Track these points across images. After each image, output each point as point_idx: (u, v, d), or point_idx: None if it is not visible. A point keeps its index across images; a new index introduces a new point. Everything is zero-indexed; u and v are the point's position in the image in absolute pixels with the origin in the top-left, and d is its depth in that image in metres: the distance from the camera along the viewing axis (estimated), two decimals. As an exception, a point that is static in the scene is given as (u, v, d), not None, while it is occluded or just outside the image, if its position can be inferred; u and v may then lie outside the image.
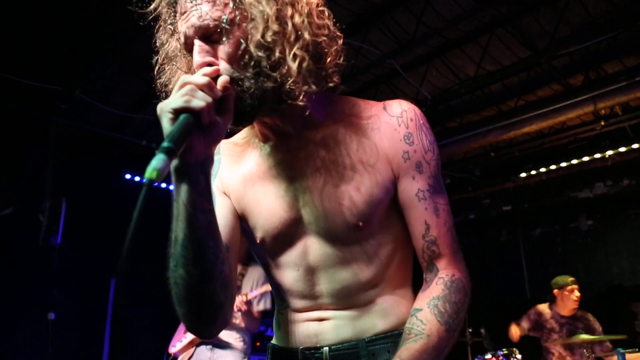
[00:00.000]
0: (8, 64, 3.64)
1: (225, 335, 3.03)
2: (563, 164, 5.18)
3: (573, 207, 5.90)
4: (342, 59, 0.94)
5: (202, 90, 0.75)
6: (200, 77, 0.76)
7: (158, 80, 1.00)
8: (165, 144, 0.71)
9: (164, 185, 5.53)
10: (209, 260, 0.84)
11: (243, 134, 1.04)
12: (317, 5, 0.93)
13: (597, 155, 4.97)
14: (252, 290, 3.11)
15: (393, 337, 0.94)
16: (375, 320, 0.96)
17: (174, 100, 0.75)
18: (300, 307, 0.96)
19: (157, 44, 0.98)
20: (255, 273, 3.14)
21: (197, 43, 0.84)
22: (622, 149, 4.84)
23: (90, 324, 4.78)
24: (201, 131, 0.77)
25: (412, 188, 0.93)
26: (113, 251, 4.16)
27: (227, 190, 1.02)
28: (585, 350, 3.76)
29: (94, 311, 4.81)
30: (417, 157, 0.93)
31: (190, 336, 3.04)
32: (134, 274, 5.16)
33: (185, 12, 0.85)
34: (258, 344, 5.17)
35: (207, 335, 0.94)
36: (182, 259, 0.84)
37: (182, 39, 0.87)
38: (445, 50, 3.89)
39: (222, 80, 0.80)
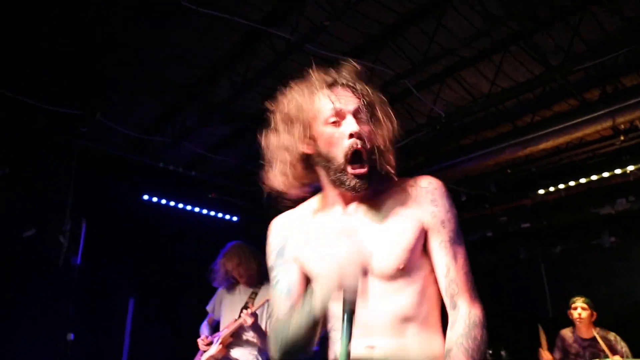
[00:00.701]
0: (31, 88, 3.77)
1: (237, 354, 3.04)
2: (582, 180, 5.09)
3: (594, 224, 5.78)
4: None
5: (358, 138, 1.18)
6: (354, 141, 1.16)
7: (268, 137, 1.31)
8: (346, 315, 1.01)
9: (180, 205, 5.59)
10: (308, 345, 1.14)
11: (310, 204, 1.38)
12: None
13: (618, 171, 4.88)
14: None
15: None
16: (415, 354, 1.17)
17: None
18: (354, 335, 1.07)
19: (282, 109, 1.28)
20: (266, 291, 3.10)
21: (350, 116, 1.18)
22: (644, 164, 4.75)
23: (108, 343, 4.81)
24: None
25: (435, 239, 1.20)
26: (131, 270, 4.22)
27: (299, 257, 1.29)
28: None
29: (112, 330, 4.84)
30: (441, 216, 1.21)
31: (206, 356, 3.06)
32: (154, 295, 5.22)
33: (346, 95, 1.20)
34: None
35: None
36: (293, 340, 1.13)
37: (336, 109, 1.19)
38: (459, 69, 3.89)
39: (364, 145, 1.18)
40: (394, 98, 4.23)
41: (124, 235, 5.13)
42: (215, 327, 3.29)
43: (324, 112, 1.20)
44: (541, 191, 5.43)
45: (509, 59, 3.78)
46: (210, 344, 3.10)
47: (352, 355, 1.07)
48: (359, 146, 1.15)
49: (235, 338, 3.06)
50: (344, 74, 1.26)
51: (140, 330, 5.00)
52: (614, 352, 4.03)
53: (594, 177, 5.01)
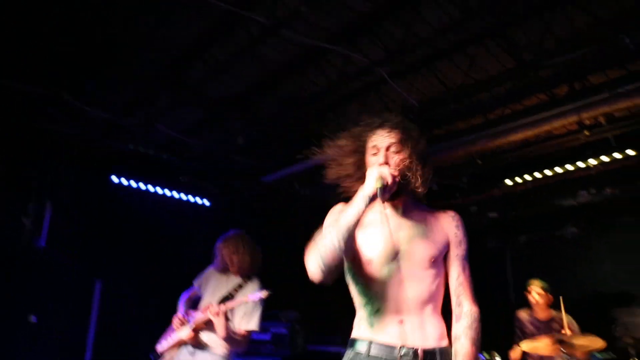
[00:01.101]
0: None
1: (206, 338, 3.02)
2: (548, 172, 5.24)
3: (558, 215, 5.98)
4: (428, 180, 1.68)
5: (389, 176, 1.56)
6: (389, 169, 1.59)
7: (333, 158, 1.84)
8: (382, 185, 1.53)
9: (151, 188, 5.51)
10: (348, 242, 1.53)
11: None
12: (427, 153, 1.71)
13: (581, 164, 5.04)
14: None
15: (445, 348, 1.60)
16: (431, 331, 1.60)
17: (381, 173, 1.56)
18: (388, 309, 1.58)
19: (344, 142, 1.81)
20: (251, 287, 3.10)
21: (383, 151, 1.66)
22: (606, 159, 4.92)
23: (73, 326, 4.73)
24: (384, 192, 1.54)
25: (454, 252, 1.70)
26: (98, 253, 4.15)
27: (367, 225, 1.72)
28: (562, 352, 3.82)
29: (77, 314, 4.76)
30: (459, 238, 1.72)
31: (176, 337, 3.03)
32: (122, 278, 5.16)
33: (385, 137, 1.66)
34: (244, 348, 5.16)
35: (325, 281, 1.56)
36: (341, 235, 1.51)
37: (375, 145, 1.68)
38: (434, 60, 3.92)
39: (393, 175, 1.59)
40: (368, 86, 4.26)
41: (92, 218, 5.04)
42: (194, 302, 3.26)
43: (369, 145, 1.70)
44: (509, 182, 5.57)
45: (483, 52, 3.83)
46: (184, 323, 3.06)
47: (387, 326, 1.57)
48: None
49: (209, 327, 3.01)
50: (387, 119, 1.73)
51: (107, 314, 4.93)
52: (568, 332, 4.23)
53: (558, 170, 5.16)
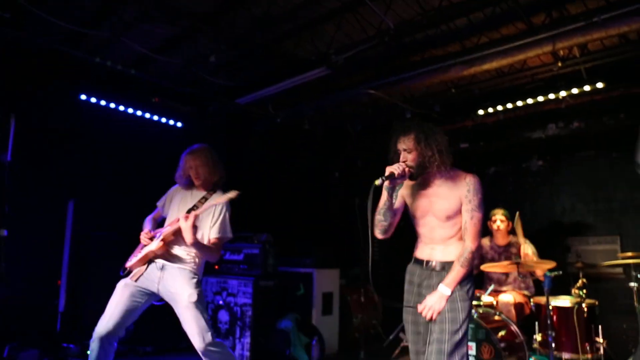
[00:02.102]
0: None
1: (175, 252, 3.06)
2: (519, 103, 5.32)
3: (526, 148, 6.14)
4: (449, 158, 2.43)
5: (397, 168, 2.36)
6: (398, 165, 2.38)
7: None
8: (387, 176, 2.35)
9: (122, 108, 5.39)
10: (388, 219, 2.48)
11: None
12: (445, 144, 2.46)
13: (552, 96, 5.12)
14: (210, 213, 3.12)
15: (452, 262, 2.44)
16: (450, 251, 2.44)
17: (392, 168, 2.36)
18: (425, 241, 2.53)
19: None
20: (217, 198, 3.10)
21: (402, 153, 2.45)
22: (575, 91, 5.00)
23: (46, 244, 4.77)
24: (394, 179, 2.36)
25: (464, 207, 2.40)
26: (69, 172, 4.10)
27: (403, 192, 2.60)
28: (517, 273, 4.09)
29: (50, 232, 4.78)
30: (469, 198, 2.39)
31: (145, 251, 3.05)
32: (95, 199, 5.14)
33: (402, 143, 2.45)
34: (217, 267, 5.34)
35: (386, 237, 2.56)
36: (379, 216, 2.48)
37: (399, 149, 2.46)
38: (412, -21, 3.81)
39: (405, 167, 2.39)
40: (345, 7, 4.13)
41: (61, 136, 4.94)
42: (160, 223, 3.28)
43: (397, 148, 2.48)
44: (481, 112, 5.63)
45: (463, -28, 3.73)
46: (152, 238, 3.08)
47: (424, 252, 2.52)
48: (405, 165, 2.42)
49: (177, 237, 3.04)
50: (405, 127, 2.48)
51: (81, 233, 4.98)
52: (524, 255, 4.54)
53: (530, 101, 5.24)
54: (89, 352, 2.88)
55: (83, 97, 5.09)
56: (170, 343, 5.07)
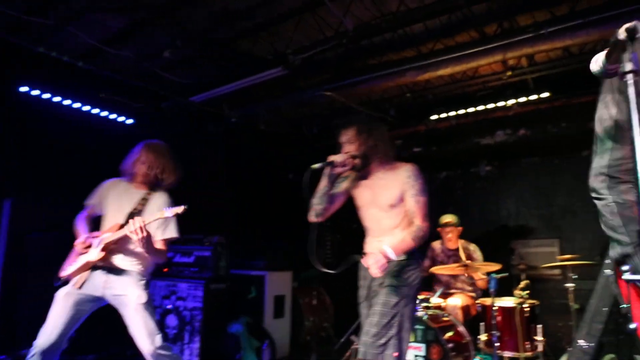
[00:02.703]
0: None
1: (119, 260, 2.91)
2: (471, 110, 5.50)
3: (475, 153, 6.35)
4: (390, 150, 2.59)
5: (338, 157, 2.52)
6: (340, 154, 2.53)
7: None
8: (326, 162, 2.49)
9: (67, 102, 5.11)
10: (324, 203, 2.59)
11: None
12: (386, 136, 2.62)
13: (501, 104, 5.33)
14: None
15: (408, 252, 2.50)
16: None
17: (334, 156, 2.52)
18: (372, 234, 2.63)
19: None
20: (159, 200, 2.98)
21: (345, 145, 2.57)
22: (523, 100, 5.22)
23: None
24: (335, 166, 2.50)
25: (408, 194, 2.47)
26: (6, 170, 3.80)
27: (347, 185, 2.68)
28: (465, 276, 4.22)
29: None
30: (410, 184, 2.46)
31: (82, 260, 2.86)
32: (34, 198, 4.84)
33: (344, 135, 2.60)
34: (166, 269, 5.16)
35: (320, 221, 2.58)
36: (316, 200, 2.55)
37: (343, 141, 2.61)
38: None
39: (347, 158, 2.53)
40: (304, 6, 4.11)
41: (-2, 130, 4.61)
42: (94, 222, 3.08)
43: (340, 141, 2.59)
44: (434, 117, 5.78)
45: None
46: (89, 247, 2.88)
47: (372, 246, 2.57)
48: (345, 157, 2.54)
49: (120, 245, 2.88)
50: (347, 120, 2.59)
51: (19, 235, 4.67)
52: (472, 259, 4.70)
53: (480, 108, 5.42)
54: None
55: (24, 89, 4.77)
56: (115, 350, 4.85)
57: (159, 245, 2.95)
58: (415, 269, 2.49)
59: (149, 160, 3.03)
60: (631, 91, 0.96)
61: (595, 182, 1.45)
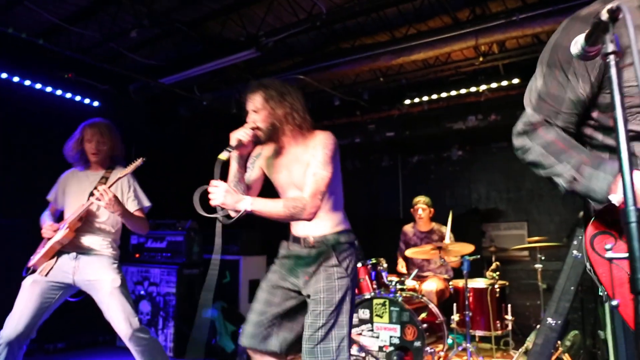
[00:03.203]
0: None
1: (88, 241, 2.84)
2: (443, 95, 5.54)
3: (448, 138, 6.43)
4: (305, 122, 2.18)
5: (244, 135, 2.09)
6: (244, 129, 2.10)
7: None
8: (234, 146, 2.06)
9: (27, 83, 4.89)
10: (243, 191, 2.14)
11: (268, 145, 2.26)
12: (299, 102, 2.18)
13: (473, 89, 5.39)
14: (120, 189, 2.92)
15: (332, 234, 2.16)
16: (324, 224, 2.15)
17: (237, 133, 2.09)
18: None
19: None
20: (120, 173, 2.80)
21: (251, 114, 2.16)
22: (494, 85, 5.30)
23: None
24: (242, 147, 2.12)
25: (310, 169, 2.06)
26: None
27: (262, 164, 2.31)
28: (439, 258, 4.29)
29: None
30: (313, 154, 2.08)
31: (48, 244, 2.77)
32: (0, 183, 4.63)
33: (250, 103, 2.15)
34: (137, 255, 5.07)
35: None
36: (234, 186, 2.13)
37: (248, 110, 2.16)
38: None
39: (251, 130, 2.12)
40: (277, -12, 4.03)
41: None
42: (59, 218, 2.98)
43: (246, 110, 2.19)
44: (407, 101, 5.80)
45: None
46: (57, 230, 2.79)
47: (297, 225, 2.21)
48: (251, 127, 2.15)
49: (85, 224, 2.80)
50: (249, 87, 2.19)
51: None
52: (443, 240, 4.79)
53: (453, 93, 5.47)
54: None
55: (-7, 73, 4.53)
56: (87, 338, 4.76)
57: (137, 214, 2.90)
58: (350, 256, 2.15)
59: (96, 140, 2.92)
60: (613, 72, 0.97)
61: (517, 142, 1.46)
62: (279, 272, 2.23)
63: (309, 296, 2.09)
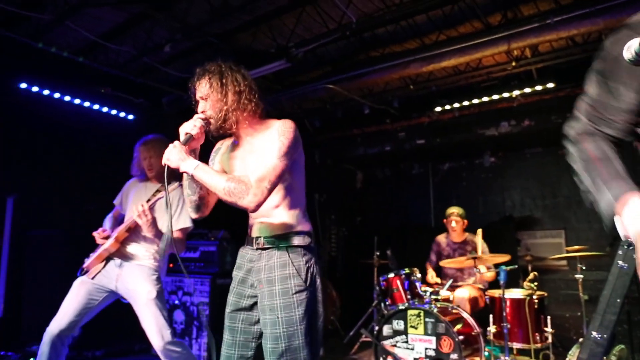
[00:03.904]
0: None
1: (133, 250, 2.95)
2: (475, 101, 5.45)
3: (480, 144, 6.32)
4: (259, 107, 1.97)
5: (193, 127, 1.89)
6: (194, 120, 1.91)
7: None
8: (184, 140, 1.86)
9: (67, 98, 5.07)
10: (196, 192, 1.99)
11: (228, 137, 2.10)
12: (251, 86, 1.96)
13: (506, 95, 5.28)
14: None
15: (286, 234, 1.92)
16: (278, 225, 1.92)
17: (185, 126, 1.91)
18: (252, 215, 1.99)
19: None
20: (170, 188, 2.95)
21: (200, 102, 1.95)
22: (527, 90, 5.17)
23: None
24: (193, 140, 1.89)
25: (268, 159, 1.83)
26: (8, 167, 3.80)
27: (221, 160, 2.08)
28: (474, 269, 4.20)
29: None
30: (275, 140, 1.85)
31: (99, 251, 2.92)
32: (38, 195, 4.82)
33: (198, 90, 1.95)
34: (171, 265, 5.15)
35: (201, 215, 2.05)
36: (190, 189, 2.00)
37: (197, 98, 1.96)
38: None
39: (200, 120, 1.91)
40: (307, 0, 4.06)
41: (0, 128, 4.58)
42: (120, 222, 3.13)
43: (196, 98, 2.00)
44: (438, 109, 5.73)
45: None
46: (107, 237, 2.94)
47: (253, 226, 1.99)
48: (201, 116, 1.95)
49: (132, 234, 2.93)
50: (198, 71, 1.98)
51: (22, 232, 4.65)
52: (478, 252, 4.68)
53: (485, 99, 5.37)
54: (32, 359, 2.69)
55: (23, 85, 4.73)
56: (123, 346, 4.85)
57: (175, 235, 2.95)
58: (310, 263, 1.91)
59: (149, 156, 3.07)
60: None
61: (567, 146, 1.43)
62: (236, 290, 1.98)
63: (265, 310, 1.84)
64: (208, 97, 1.91)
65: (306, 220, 1.97)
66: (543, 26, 3.93)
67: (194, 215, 2.02)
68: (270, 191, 1.79)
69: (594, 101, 1.40)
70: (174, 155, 1.81)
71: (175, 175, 3.08)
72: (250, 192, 1.75)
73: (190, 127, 1.87)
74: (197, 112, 1.94)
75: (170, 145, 1.83)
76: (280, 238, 1.90)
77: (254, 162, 1.88)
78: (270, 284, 1.85)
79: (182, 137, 1.87)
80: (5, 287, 4.41)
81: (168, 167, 1.83)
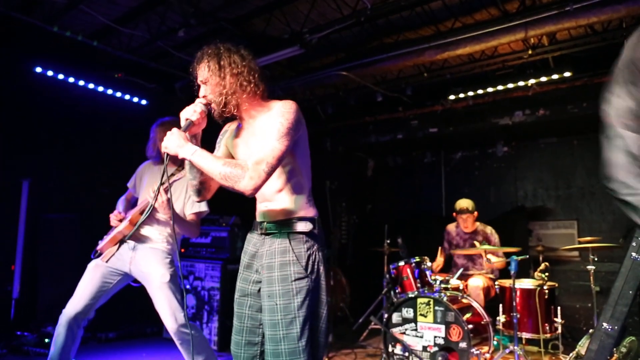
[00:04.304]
0: None
1: (146, 232, 2.97)
2: (490, 90, 5.38)
3: (493, 133, 6.26)
4: (259, 87, 1.91)
5: (193, 113, 1.86)
6: (194, 105, 1.88)
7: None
8: (185, 125, 1.84)
9: (81, 83, 5.10)
10: (198, 177, 1.98)
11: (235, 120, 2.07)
12: (250, 67, 1.90)
13: (521, 83, 5.20)
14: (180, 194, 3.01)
15: (288, 220, 1.88)
16: (281, 210, 1.88)
17: (185, 112, 1.87)
18: (258, 199, 1.97)
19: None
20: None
21: (201, 86, 1.92)
22: (543, 79, 5.09)
23: (1, 227, 4.51)
24: (193, 126, 1.87)
25: (268, 140, 1.78)
26: (23, 150, 3.85)
27: (227, 143, 2.07)
28: (483, 259, 4.19)
29: (3, 214, 4.51)
30: (274, 127, 1.78)
31: (113, 233, 2.93)
32: (53, 179, 4.88)
33: (198, 74, 1.92)
34: (183, 250, 5.20)
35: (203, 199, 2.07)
36: (192, 174, 1.98)
37: (198, 82, 1.93)
38: (390, -41, 3.73)
39: (201, 105, 1.88)
40: (321, -16, 4.02)
41: (15, 112, 4.63)
42: (133, 204, 3.15)
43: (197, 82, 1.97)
44: (452, 97, 5.67)
45: (440, -46, 3.68)
46: (122, 220, 2.95)
47: (259, 210, 1.96)
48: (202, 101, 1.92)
49: (148, 218, 2.92)
50: (200, 53, 1.94)
51: (37, 215, 4.72)
52: (489, 242, 4.66)
53: (500, 88, 5.30)
54: (47, 340, 2.75)
55: (38, 69, 4.77)
56: (136, 329, 4.94)
57: (189, 218, 2.97)
58: (311, 251, 1.86)
59: (163, 137, 3.04)
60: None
61: (624, 176, 1.36)
62: (242, 275, 1.98)
63: (264, 296, 1.83)
64: (207, 81, 1.88)
65: (310, 206, 1.92)
66: (562, 13, 3.86)
67: (196, 199, 2.02)
68: (268, 174, 1.73)
69: (629, 111, 1.33)
70: (172, 142, 1.80)
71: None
72: (246, 175, 1.71)
73: (190, 113, 1.85)
74: (199, 97, 1.91)
75: (169, 133, 1.81)
76: (282, 224, 1.86)
77: (256, 145, 1.84)
78: (270, 270, 1.82)
79: (182, 122, 1.84)
80: (21, 269, 4.50)
81: (167, 154, 1.83)
